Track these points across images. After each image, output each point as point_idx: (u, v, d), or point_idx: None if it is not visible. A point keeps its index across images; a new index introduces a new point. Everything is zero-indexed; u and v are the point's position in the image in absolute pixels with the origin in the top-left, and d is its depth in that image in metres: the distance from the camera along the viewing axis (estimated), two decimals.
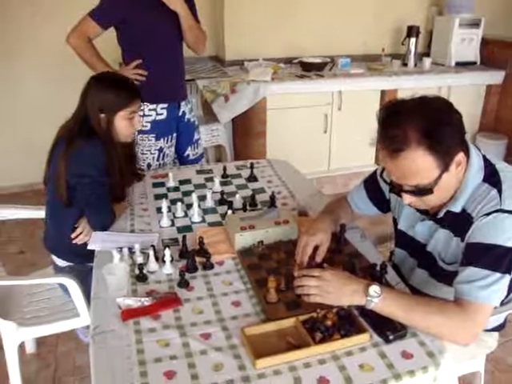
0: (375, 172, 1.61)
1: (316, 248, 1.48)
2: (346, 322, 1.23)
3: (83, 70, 2.45)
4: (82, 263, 1.88)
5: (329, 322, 1.22)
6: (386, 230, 1.99)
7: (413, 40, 4.09)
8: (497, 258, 1.20)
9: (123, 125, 1.88)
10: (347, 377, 1.10)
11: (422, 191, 1.24)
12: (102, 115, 1.84)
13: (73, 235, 1.87)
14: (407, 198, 1.28)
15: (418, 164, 1.19)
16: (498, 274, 1.19)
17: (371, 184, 1.63)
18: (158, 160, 2.72)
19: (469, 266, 1.22)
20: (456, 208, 1.31)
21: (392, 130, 1.20)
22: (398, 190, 1.29)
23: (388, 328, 1.20)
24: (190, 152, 2.87)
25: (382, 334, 1.21)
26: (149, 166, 2.71)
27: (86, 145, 1.79)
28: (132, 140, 2.03)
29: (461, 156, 1.23)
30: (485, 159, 1.33)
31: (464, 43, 4.17)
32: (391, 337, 1.19)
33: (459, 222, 1.30)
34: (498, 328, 1.56)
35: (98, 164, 1.79)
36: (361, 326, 1.23)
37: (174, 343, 1.23)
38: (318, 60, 3.89)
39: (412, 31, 4.09)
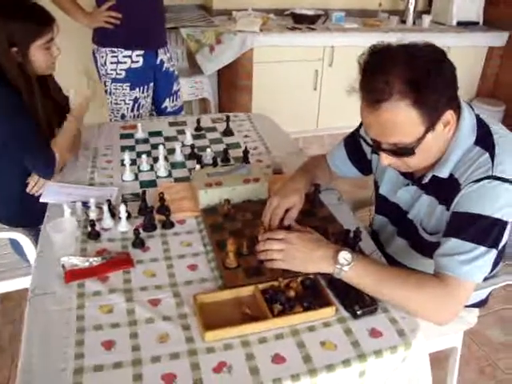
0: (357, 129, 1.45)
1: (287, 210, 1.34)
2: (311, 293, 1.11)
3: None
4: (35, 225, 1.71)
5: (291, 293, 1.09)
6: (369, 194, 1.86)
7: None
8: (483, 229, 1.06)
9: (40, 56, 1.63)
10: (305, 355, 0.97)
11: (403, 151, 1.09)
12: (14, 49, 1.58)
13: (27, 189, 1.72)
14: (386, 158, 1.14)
15: (400, 118, 1.04)
16: (483, 248, 1.05)
17: (352, 142, 1.48)
18: (132, 111, 2.56)
19: (452, 238, 1.08)
20: (443, 173, 1.16)
21: (373, 78, 1.04)
22: (376, 148, 1.14)
23: (356, 302, 1.07)
24: (168, 104, 2.71)
25: (349, 309, 1.08)
26: (123, 116, 2.55)
27: None
28: (51, 73, 1.78)
29: (449, 114, 1.08)
30: (478, 119, 1.17)
31: (467, 1, 3.93)
32: (359, 312, 1.06)
33: (445, 189, 1.16)
34: (479, 304, 1.44)
35: (8, 107, 1.58)
36: (326, 298, 1.10)
37: (118, 309, 1.10)
38: (310, 12, 3.65)
39: None
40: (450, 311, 1.07)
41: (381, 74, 1.03)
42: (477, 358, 2.06)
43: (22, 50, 1.60)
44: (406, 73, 1.02)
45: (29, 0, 1.65)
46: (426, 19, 3.84)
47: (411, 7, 3.87)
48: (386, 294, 1.08)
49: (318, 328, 1.04)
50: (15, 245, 1.74)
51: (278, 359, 0.97)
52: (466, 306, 1.40)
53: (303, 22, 3.59)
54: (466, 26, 3.94)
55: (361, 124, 1.21)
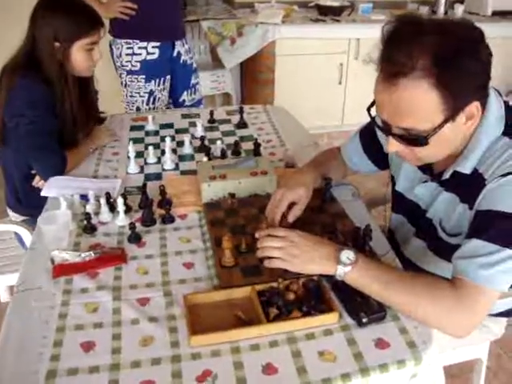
0: (373, 119, 1.33)
1: (292, 205, 1.24)
2: (313, 296, 1.00)
3: None
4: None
5: (291, 296, 0.99)
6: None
7: None
8: (509, 230, 0.93)
9: (81, 57, 1.61)
10: (301, 366, 0.87)
11: (415, 139, 0.97)
12: (57, 44, 1.57)
13: (34, 182, 1.67)
14: (393, 145, 1.01)
15: (418, 99, 0.91)
16: (508, 251, 0.92)
17: (367, 134, 1.36)
18: (148, 104, 2.50)
19: (473, 238, 0.95)
20: (465, 168, 1.03)
21: (396, 49, 0.92)
22: (385, 132, 1.02)
23: (362, 308, 0.96)
24: (185, 97, 2.63)
25: (354, 315, 0.96)
26: (138, 109, 2.49)
27: (27, 80, 1.54)
28: (90, 75, 1.75)
29: (475, 107, 0.95)
30: (507, 107, 1.04)
31: None
32: (365, 319, 0.94)
33: (468, 185, 1.03)
34: (508, 313, 1.29)
35: (39, 103, 1.55)
36: (330, 303, 0.98)
37: (103, 308, 1.02)
38: (336, 3, 3.52)
39: None
40: (465, 323, 0.94)
41: (405, 45, 0.91)
42: (506, 369, 1.90)
43: (64, 47, 1.58)
44: (434, 48, 0.89)
45: (78, 0, 1.66)
46: (459, 9, 3.64)
47: None
48: (391, 299, 0.96)
49: (317, 336, 0.93)
50: (20, 238, 1.70)
51: (269, 370, 0.86)
52: (492, 315, 1.26)
53: (328, 13, 3.46)
54: (502, 15, 3.71)
55: (373, 102, 1.07)
